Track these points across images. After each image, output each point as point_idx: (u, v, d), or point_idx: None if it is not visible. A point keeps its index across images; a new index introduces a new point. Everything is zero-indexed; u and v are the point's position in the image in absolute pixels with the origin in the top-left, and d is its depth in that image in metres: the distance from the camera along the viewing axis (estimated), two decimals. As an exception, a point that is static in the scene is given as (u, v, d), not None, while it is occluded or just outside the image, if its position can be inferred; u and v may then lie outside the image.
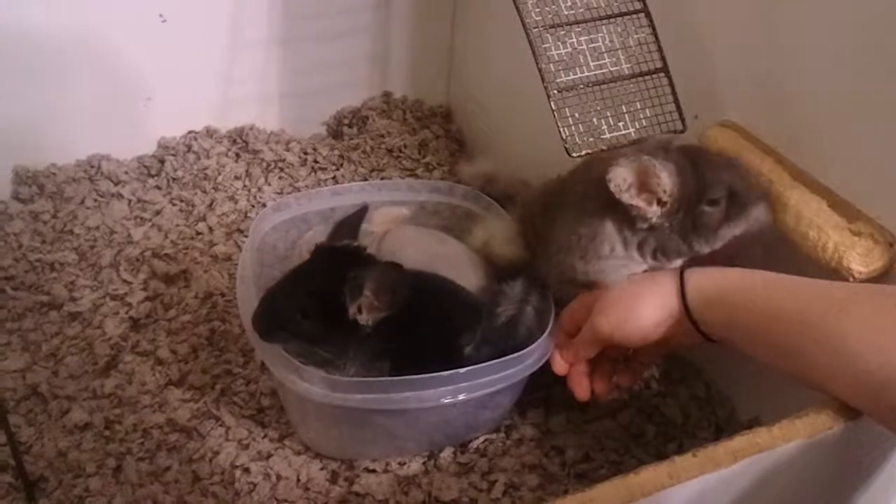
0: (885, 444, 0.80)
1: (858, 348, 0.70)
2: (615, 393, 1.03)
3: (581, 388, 0.96)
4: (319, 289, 0.92)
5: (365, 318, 0.91)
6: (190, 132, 1.49)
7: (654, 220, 0.87)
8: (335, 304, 0.91)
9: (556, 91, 0.93)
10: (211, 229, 1.34)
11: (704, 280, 0.85)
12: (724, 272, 0.85)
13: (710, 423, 1.06)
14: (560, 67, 0.94)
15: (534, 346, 0.94)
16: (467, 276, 1.06)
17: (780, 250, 0.90)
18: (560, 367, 0.97)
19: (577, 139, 0.93)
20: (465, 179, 1.25)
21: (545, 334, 0.95)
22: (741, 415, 1.07)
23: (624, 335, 0.89)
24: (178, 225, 1.35)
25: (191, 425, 1.04)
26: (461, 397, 0.91)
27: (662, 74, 0.98)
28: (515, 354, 0.92)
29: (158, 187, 1.42)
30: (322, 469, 1.00)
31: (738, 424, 1.05)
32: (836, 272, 0.85)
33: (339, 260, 0.95)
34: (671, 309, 0.86)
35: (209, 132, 1.50)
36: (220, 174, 1.43)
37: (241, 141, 1.50)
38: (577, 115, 0.94)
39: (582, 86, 0.95)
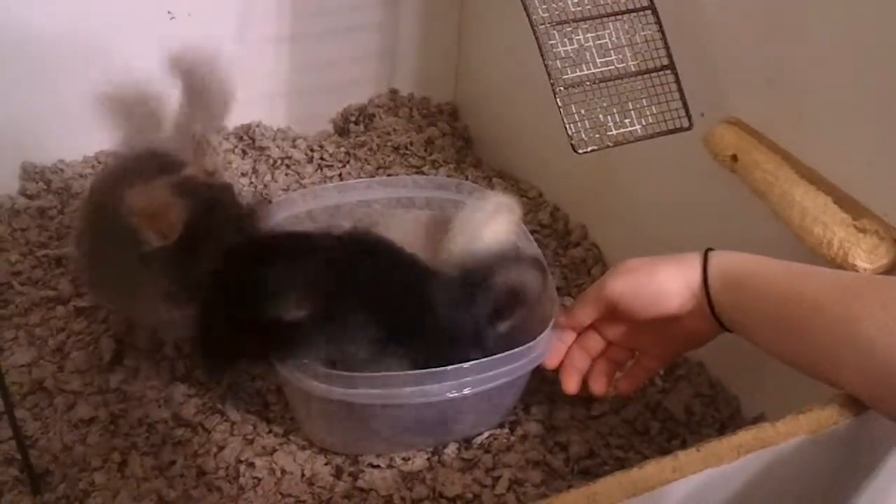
0: (890, 439, 0.79)
1: (868, 332, 0.70)
2: (611, 393, 1.04)
3: (571, 382, 0.97)
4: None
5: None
6: (197, 129, 1.50)
7: None
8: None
9: (562, 88, 0.93)
10: (217, 225, 1.34)
11: (727, 261, 0.85)
12: (747, 257, 0.84)
13: (715, 421, 1.06)
14: (566, 64, 0.94)
15: (539, 338, 0.94)
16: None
17: (785, 246, 0.90)
18: (551, 359, 0.97)
19: (584, 136, 0.93)
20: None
21: (549, 326, 0.95)
22: (746, 413, 1.06)
23: (636, 302, 0.88)
24: (184, 221, 1.35)
25: (196, 420, 1.05)
26: (466, 391, 0.91)
27: (669, 71, 0.98)
28: (520, 348, 0.92)
29: (165, 183, 1.42)
30: (326, 464, 1.01)
31: (742, 422, 1.05)
32: (841, 268, 0.85)
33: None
34: (690, 282, 0.85)
35: (216, 129, 1.50)
36: (226, 171, 1.43)
37: (247, 138, 1.50)
38: (583, 111, 0.94)
39: (588, 82, 0.95)
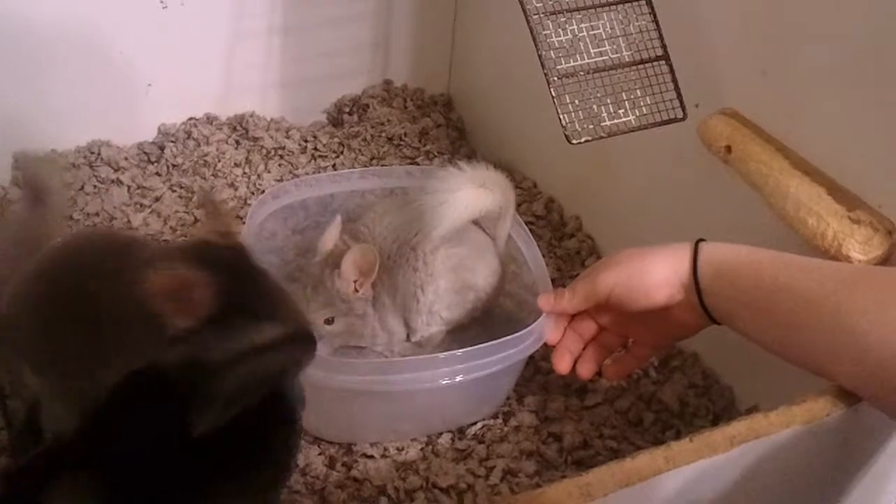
0: (883, 430, 0.80)
1: (861, 325, 0.69)
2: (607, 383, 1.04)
3: (562, 362, 0.97)
4: None
5: None
6: (190, 119, 1.49)
7: None
8: None
9: (556, 78, 0.93)
10: (210, 216, 1.34)
11: (717, 252, 0.85)
12: (738, 248, 0.84)
13: (709, 412, 1.06)
14: (560, 54, 0.94)
15: (532, 326, 0.94)
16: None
17: (779, 237, 0.90)
18: (552, 336, 0.97)
19: (577, 126, 0.93)
20: None
21: (544, 314, 0.95)
22: (740, 404, 1.07)
23: (627, 295, 0.89)
24: (177, 211, 1.35)
25: (189, 410, 1.04)
26: (459, 378, 0.91)
27: (663, 62, 0.98)
28: (514, 335, 0.92)
29: (158, 174, 1.41)
30: (320, 454, 1.00)
31: (736, 413, 1.05)
32: (835, 260, 0.85)
33: None
34: (680, 273, 0.85)
35: (209, 119, 1.50)
36: (219, 161, 1.43)
37: (241, 128, 1.50)
38: (577, 101, 0.94)
39: (582, 73, 0.94)
